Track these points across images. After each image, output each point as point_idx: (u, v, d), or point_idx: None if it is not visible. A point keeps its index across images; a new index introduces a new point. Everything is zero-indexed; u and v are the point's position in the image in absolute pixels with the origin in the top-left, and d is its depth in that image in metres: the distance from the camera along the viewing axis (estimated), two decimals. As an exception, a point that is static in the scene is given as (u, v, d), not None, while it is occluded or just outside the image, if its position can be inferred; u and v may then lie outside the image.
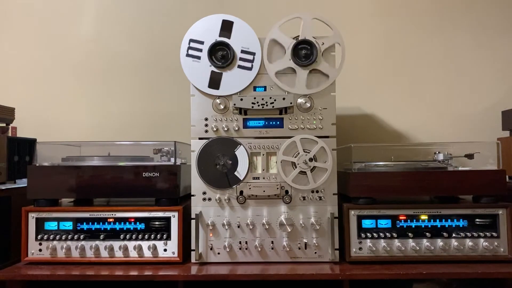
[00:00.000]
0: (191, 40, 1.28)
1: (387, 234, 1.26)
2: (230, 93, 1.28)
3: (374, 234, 1.26)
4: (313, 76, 1.28)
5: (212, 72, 1.28)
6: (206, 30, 1.28)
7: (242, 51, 1.28)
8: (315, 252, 1.27)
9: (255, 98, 1.26)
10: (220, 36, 1.28)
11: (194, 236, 1.26)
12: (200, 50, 1.28)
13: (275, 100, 1.26)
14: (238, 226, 1.27)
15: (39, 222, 1.29)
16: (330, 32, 1.27)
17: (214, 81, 1.27)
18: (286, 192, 1.28)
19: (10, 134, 1.63)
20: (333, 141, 1.28)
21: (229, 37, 1.28)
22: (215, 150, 1.28)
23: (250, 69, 1.28)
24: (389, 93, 1.87)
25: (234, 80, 1.28)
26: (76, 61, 1.93)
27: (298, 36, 1.27)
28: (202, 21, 1.29)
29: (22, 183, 1.52)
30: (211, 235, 1.27)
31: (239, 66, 1.28)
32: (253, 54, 1.28)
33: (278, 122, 1.29)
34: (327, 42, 1.27)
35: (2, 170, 1.45)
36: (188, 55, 1.28)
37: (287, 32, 1.28)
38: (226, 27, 1.28)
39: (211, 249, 1.27)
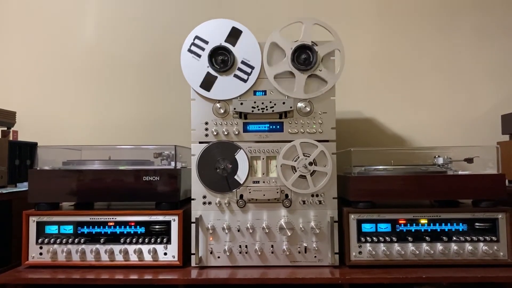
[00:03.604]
0: (196, 37, 1.29)
1: (387, 238, 1.26)
2: (220, 98, 1.28)
3: (374, 238, 1.26)
4: (312, 80, 1.29)
5: (208, 73, 1.29)
6: (214, 32, 1.29)
7: (242, 62, 1.28)
8: (315, 256, 1.27)
9: (255, 102, 1.27)
10: (225, 41, 1.29)
11: (194, 240, 1.26)
12: (203, 49, 1.29)
13: (275, 104, 1.27)
14: (238, 230, 1.27)
15: (40, 226, 1.29)
16: (331, 38, 1.28)
17: (207, 83, 1.28)
18: (286, 196, 1.28)
19: (11, 138, 1.64)
20: (333, 145, 1.28)
21: (234, 45, 1.29)
22: (215, 154, 1.28)
23: (245, 81, 1.28)
24: (388, 97, 1.88)
25: (227, 86, 1.29)
26: (77, 65, 1.94)
27: (296, 40, 1.27)
28: (212, 22, 1.30)
29: (23, 186, 1.52)
30: (211, 239, 1.28)
31: (235, 76, 1.29)
32: (252, 68, 1.28)
33: (278, 126, 1.29)
34: (327, 48, 1.28)
35: (3, 173, 1.46)
36: (189, 50, 1.29)
37: (288, 35, 1.28)
38: (234, 35, 1.29)
39: (211, 253, 1.27)
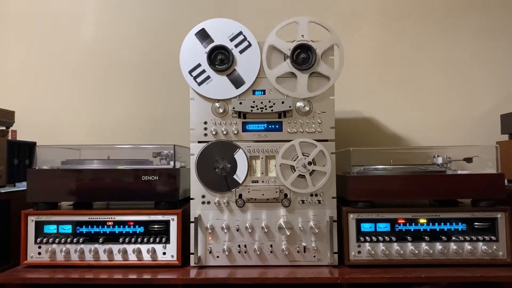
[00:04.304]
0: (190, 72, 1.28)
1: (386, 237, 1.26)
2: (254, 79, 1.28)
3: (373, 238, 1.26)
4: (314, 79, 1.28)
5: (228, 76, 1.28)
6: (192, 52, 1.29)
7: (231, 39, 1.28)
8: (314, 256, 1.27)
9: (254, 101, 1.27)
10: (205, 47, 1.28)
11: (193, 239, 1.26)
12: (204, 71, 1.28)
13: (274, 103, 1.27)
14: (237, 230, 1.27)
15: (39, 226, 1.29)
16: (328, 35, 1.28)
17: (236, 82, 1.28)
18: (285, 195, 1.28)
19: (10, 137, 1.63)
20: (332, 145, 1.28)
21: (212, 41, 1.29)
22: (214, 154, 1.28)
23: (250, 45, 1.28)
24: (388, 96, 1.88)
25: (246, 64, 1.28)
26: (76, 65, 1.94)
27: (293, 40, 1.27)
28: (183, 48, 1.29)
29: (21, 186, 1.52)
30: (210, 238, 1.28)
31: (241, 51, 1.28)
32: (240, 33, 1.29)
33: (277, 126, 1.29)
34: (325, 44, 1.28)
35: (2, 173, 1.45)
36: (200, 83, 1.28)
37: (286, 36, 1.28)
38: (203, 36, 1.29)
39: (210, 252, 1.27)
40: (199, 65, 1.28)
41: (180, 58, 1.29)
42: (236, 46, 1.28)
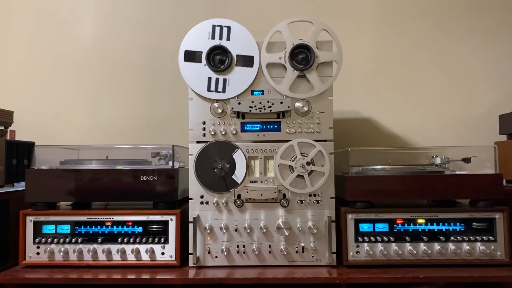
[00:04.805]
0: (208, 89, 1.28)
1: (384, 238, 1.26)
2: (256, 48, 1.28)
3: (372, 238, 1.26)
4: (300, 80, 1.28)
5: (237, 65, 1.28)
6: (196, 74, 1.28)
7: (212, 38, 1.29)
8: (313, 256, 1.27)
9: (252, 102, 1.27)
10: (201, 62, 1.28)
11: (191, 239, 1.26)
12: (218, 79, 1.28)
13: (272, 104, 1.27)
14: (236, 230, 1.27)
15: (37, 226, 1.29)
16: (334, 48, 1.28)
17: (245, 62, 1.28)
18: (284, 195, 1.28)
19: (8, 137, 1.63)
20: (331, 145, 1.28)
21: (201, 53, 1.28)
22: (213, 154, 1.28)
23: (230, 27, 1.29)
24: (386, 96, 1.88)
25: (241, 42, 1.28)
26: (75, 65, 1.94)
27: (301, 38, 1.27)
28: (186, 75, 1.28)
29: (20, 186, 1.52)
30: (208, 238, 1.28)
31: (228, 38, 1.28)
32: (213, 26, 1.29)
33: (275, 126, 1.29)
34: (327, 57, 1.28)
35: (0, 173, 1.45)
36: (224, 91, 1.28)
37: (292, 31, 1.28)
38: (191, 56, 1.29)
39: (208, 252, 1.27)
40: (210, 79, 1.28)
41: (192, 87, 1.28)
42: (220, 38, 1.28)
